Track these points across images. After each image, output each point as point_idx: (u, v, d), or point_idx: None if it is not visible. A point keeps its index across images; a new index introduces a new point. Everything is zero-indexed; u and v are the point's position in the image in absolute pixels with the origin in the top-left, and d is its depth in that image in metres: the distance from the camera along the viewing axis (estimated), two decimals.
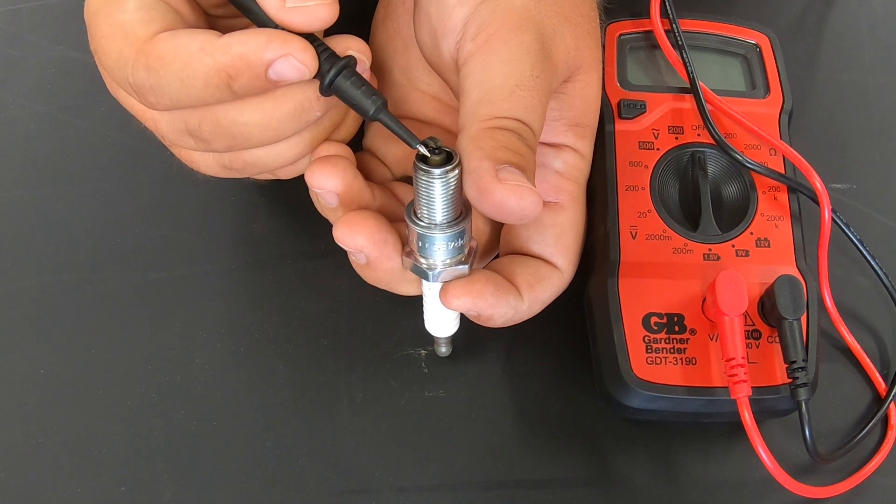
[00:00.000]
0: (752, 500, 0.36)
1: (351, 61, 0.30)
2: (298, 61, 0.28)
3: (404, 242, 0.32)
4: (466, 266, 0.32)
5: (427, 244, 0.31)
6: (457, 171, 0.29)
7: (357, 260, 0.33)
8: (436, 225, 0.30)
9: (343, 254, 0.33)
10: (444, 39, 0.33)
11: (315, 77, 0.29)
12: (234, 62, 0.28)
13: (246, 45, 0.28)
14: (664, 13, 0.41)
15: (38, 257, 0.40)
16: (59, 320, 0.39)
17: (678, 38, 0.40)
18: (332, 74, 0.29)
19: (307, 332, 0.39)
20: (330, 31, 0.31)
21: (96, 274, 0.40)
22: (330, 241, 0.32)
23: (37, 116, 0.44)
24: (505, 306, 0.33)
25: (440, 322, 0.35)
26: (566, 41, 0.33)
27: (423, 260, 0.32)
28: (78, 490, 0.35)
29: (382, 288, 0.34)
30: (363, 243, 0.31)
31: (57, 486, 0.35)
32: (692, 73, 0.39)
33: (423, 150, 0.29)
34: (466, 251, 0.32)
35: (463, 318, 0.35)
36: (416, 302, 0.35)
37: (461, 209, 0.31)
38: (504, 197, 0.28)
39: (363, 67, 0.31)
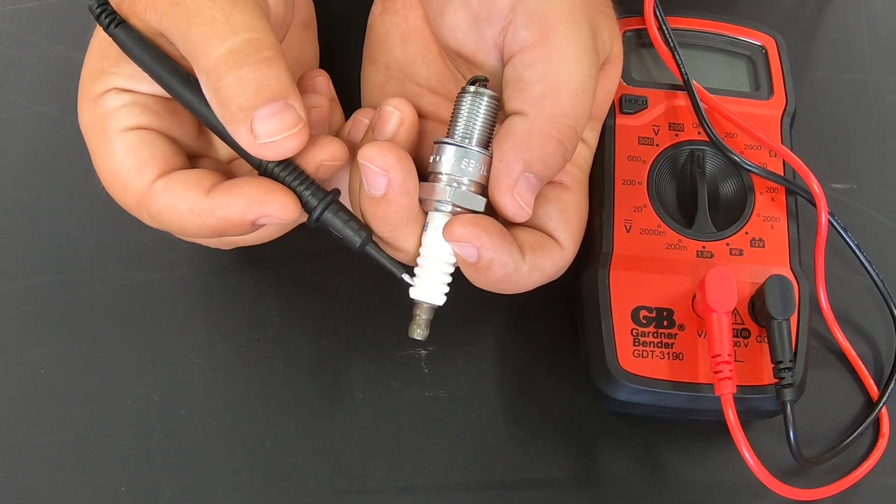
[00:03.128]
0: (748, 500, 0.36)
1: (336, 195, 0.32)
2: (277, 218, 0.30)
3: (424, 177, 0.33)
4: (484, 199, 0.33)
5: (449, 157, 0.32)
6: (494, 102, 0.33)
7: (373, 191, 0.32)
8: (470, 139, 0.33)
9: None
10: (488, 24, 0.33)
11: (304, 210, 0.31)
12: (221, 224, 0.30)
13: (228, 209, 0.30)
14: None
15: (38, 257, 0.40)
16: (59, 320, 0.39)
17: (669, 38, 0.40)
18: (319, 210, 0.31)
19: (307, 332, 0.39)
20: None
21: (96, 274, 0.40)
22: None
23: (37, 116, 0.44)
24: (507, 254, 0.32)
25: (432, 280, 0.33)
26: (604, 35, 0.34)
27: (447, 176, 0.32)
28: (78, 490, 0.35)
29: (384, 236, 0.33)
30: (392, 162, 0.31)
31: (57, 486, 0.35)
32: (685, 72, 0.39)
33: (407, 279, 0.32)
34: (483, 189, 0.33)
35: (458, 316, 0.35)
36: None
37: (488, 143, 0.33)
38: (506, 204, 0.32)
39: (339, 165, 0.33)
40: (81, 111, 0.32)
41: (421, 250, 0.33)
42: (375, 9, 0.39)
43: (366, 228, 0.32)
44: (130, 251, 0.40)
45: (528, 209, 0.32)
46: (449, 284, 0.33)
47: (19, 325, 0.39)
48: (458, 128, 0.33)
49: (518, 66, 0.32)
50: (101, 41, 0.32)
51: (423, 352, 0.38)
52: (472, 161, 0.32)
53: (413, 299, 0.33)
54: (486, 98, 0.33)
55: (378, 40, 0.39)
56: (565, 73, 0.32)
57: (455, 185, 0.32)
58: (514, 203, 0.32)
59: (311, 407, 0.37)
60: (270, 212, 0.30)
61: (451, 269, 0.33)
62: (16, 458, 0.36)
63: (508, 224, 0.34)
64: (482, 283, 0.33)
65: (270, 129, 0.29)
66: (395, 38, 0.38)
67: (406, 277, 0.32)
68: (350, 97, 0.40)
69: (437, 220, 0.32)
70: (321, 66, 0.40)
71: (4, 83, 0.45)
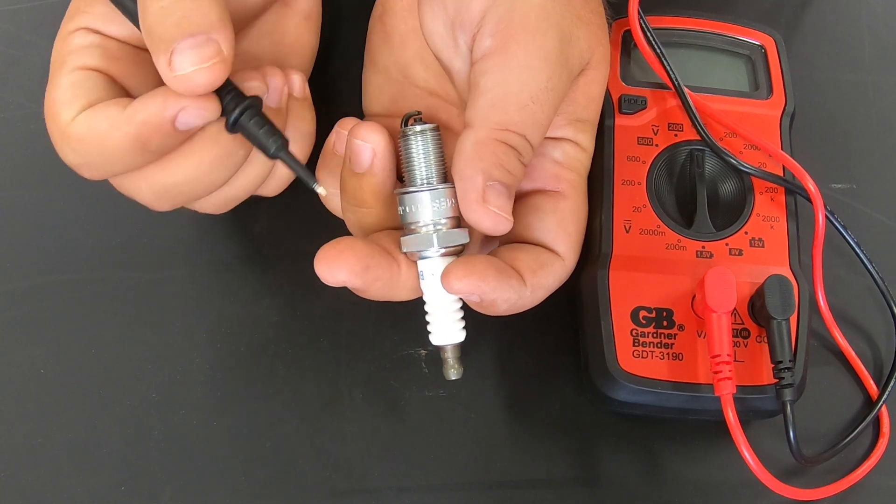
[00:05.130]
0: (748, 500, 0.36)
1: (255, 101, 0.31)
2: (197, 108, 0.30)
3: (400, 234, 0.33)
4: (466, 230, 0.33)
5: (421, 205, 0.32)
6: (437, 133, 0.33)
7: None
8: (430, 179, 0.33)
9: None
10: (461, 30, 0.33)
11: (222, 116, 0.31)
12: (141, 129, 0.29)
13: (147, 110, 0.29)
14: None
15: (38, 257, 0.40)
16: (59, 320, 0.39)
17: (654, 43, 0.40)
18: (235, 115, 0.31)
19: (307, 332, 0.39)
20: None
21: (96, 274, 0.40)
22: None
23: (37, 116, 0.43)
24: (508, 290, 0.32)
25: (445, 322, 0.34)
26: (580, 43, 0.34)
27: (425, 225, 0.32)
28: (78, 490, 0.35)
29: (382, 300, 0.34)
30: (345, 277, 0.31)
31: (57, 486, 0.35)
32: (673, 74, 0.39)
33: (319, 189, 0.32)
34: (461, 218, 0.33)
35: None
36: (416, 302, 0.35)
37: (446, 175, 0.33)
38: (482, 218, 0.31)
39: (276, 96, 0.33)
40: (53, 48, 0.32)
41: (424, 298, 0.34)
42: (376, 11, 0.39)
43: (282, 136, 0.31)
44: (130, 251, 0.40)
45: (505, 216, 0.31)
46: (463, 318, 0.34)
47: (19, 325, 0.39)
48: (414, 172, 0.33)
49: (476, 73, 0.32)
50: None
51: (422, 352, 0.38)
52: (441, 199, 0.33)
53: (435, 345, 0.34)
54: (428, 133, 0.33)
55: (378, 42, 0.39)
56: (517, 84, 0.31)
57: (435, 228, 0.32)
58: (490, 214, 0.31)
59: (311, 407, 0.37)
60: (187, 103, 0.29)
61: (459, 305, 0.34)
62: (16, 458, 0.36)
63: (504, 244, 0.35)
64: (490, 314, 0.34)
65: (185, 63, 0.29)
66: (395, 39, 0.38)
67: (318, 188, 0.32)
68: (351, 97, 0.40)
69: (431, 266, 0.33)
70: (323, 66, 0.41)
71: (4, 83, 0.45)
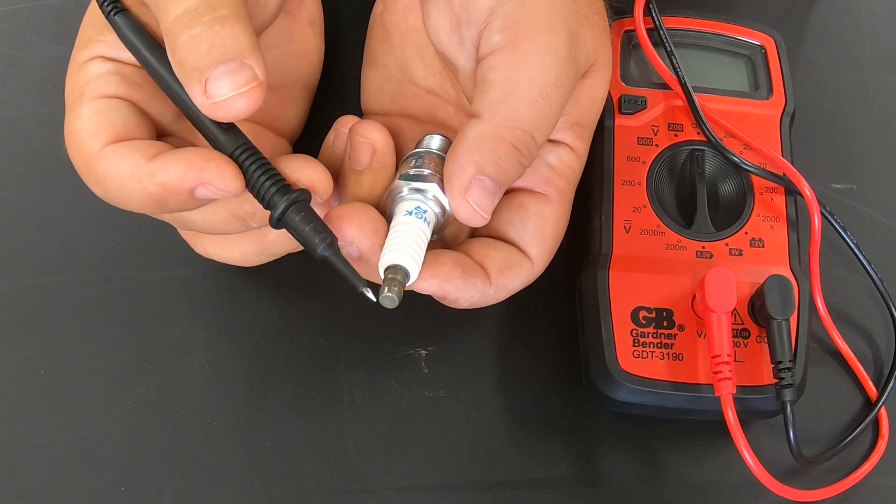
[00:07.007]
0: (748, 500, 0.36)
1: (304, 195, 0.30)
2: (219, 187, 0.29)
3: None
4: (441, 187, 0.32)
5: (416, 157, 0.33)
6: (447, 140, 0.34)
7: (350, 253, 0.33)
8: (428, 149, 0.34)
9: None
10: (467, 27, 0.33)
11: (266, 209, 0.30)
12: (160, 190, 0.29)
13: (167, 174, 0.28)
14: (647, 12, 0.41)
15: (38, 257, 0.40)
16: (59, 320, 0.39)
17: (665, 40, 0.40)
18: (281, 209, 0.29)
19: (307, 332, 0.39)
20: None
21: (96, 274, 0.40)
22: None
23: (37, 116, 0.44)
24: (472, 290, 0.33)
25: (403, 243, 0.31)
26: (586, 42, 0.34)
27: (413, 168, 0.33)
28: (78, 490, 0.35)
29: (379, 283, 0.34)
30: (354, 234, 0.31)
31: (57, 486, 0.35)
32: (681, 73, 0.39)
33: (369, 294, 0.30)
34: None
35: (458, 316, 0.35)
36: (416, 301, 0.35)
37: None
38: (458, 206, 0.31)
39: (317, 200, 0.31)
40: (67, 79, 0.32)
41: (389, 234, 0.32)
42: (377, 8, 0.39)
43: (331, 234, 0.30)
44: (130, 251, 0.40)
45: (483, 214, 0.31)
46: (422, 256, 0.31)
47: (19, 326, 0.39)
48: (416, 149, 0.34)
49: (485, 68, 0.32)
50: (92, 11, 0.32)
51: (423, 352, 0.38)
52: (432, 160, 0.33)
53: (386, 266, 0.31)
54: (437, 133, 0.34)
55: (378, 40, 0.39)
56: (527, 79, 0.31)
57: (416, 165, 0.33)
58: (467, 206, 0.31)
59: (311, 407, 0.37)
60: (208, 178, 0.28)
61: (424, 237, 0.32)
62: (16, 458, 0.36)
63: (479, 236, 0.35)
64: (450, 307, 0.34)
65: (222, 89, 0.28)
66: (395, 37, 0.38)
67: (367, 292, 0.30)
68: (352, 98, 0.40)
69: (404, 206, 0.32)
70: (324, 67, 0.41)
71: (4, 83, 0.45)
